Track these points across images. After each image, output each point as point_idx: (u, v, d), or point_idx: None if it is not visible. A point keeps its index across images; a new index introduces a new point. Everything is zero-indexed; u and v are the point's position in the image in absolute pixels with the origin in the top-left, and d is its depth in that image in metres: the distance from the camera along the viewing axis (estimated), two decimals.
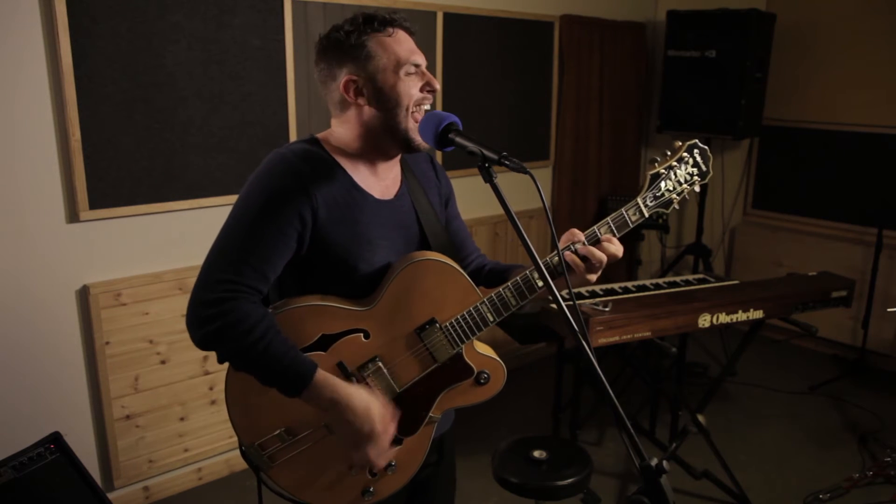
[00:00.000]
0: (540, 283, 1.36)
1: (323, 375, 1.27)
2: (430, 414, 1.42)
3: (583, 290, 2.89)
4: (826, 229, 4.37)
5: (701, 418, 2.93)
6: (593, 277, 1.37)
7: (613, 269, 4.77)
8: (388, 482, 1.43)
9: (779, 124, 4.47)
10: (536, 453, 2.18)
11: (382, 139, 1.37)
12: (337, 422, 1.32)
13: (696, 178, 1.44)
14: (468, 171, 3.63)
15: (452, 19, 3.53)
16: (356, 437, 1.30)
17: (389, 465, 1.41)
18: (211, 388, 2.95)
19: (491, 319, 1.38)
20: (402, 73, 1.32)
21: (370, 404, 1.29)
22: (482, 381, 1.43)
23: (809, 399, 3.83)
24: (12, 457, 1.94)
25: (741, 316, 2.76)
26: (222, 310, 1.21)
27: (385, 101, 1.33)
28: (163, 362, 2.80)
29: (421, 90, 1.35)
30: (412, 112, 1.34)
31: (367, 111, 1.35)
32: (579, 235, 1.37)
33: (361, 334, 1.35)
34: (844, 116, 4.20)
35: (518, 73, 3.93)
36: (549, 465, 2.15)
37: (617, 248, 1.36)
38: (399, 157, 1.46)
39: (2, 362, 2.46)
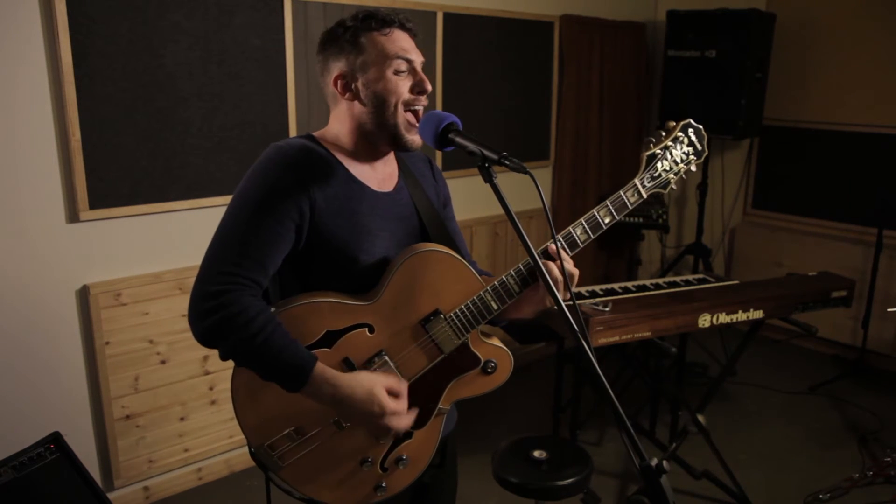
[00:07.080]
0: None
1: (321, 369, 1.25)
2: (440, 406, 1.42)
3: (583, 289, 2.89)
4: (826, 229, 4.37)
5: (701, 418, 2.93)
6: (548, 301, 1.36)
7: (613, 269, 4.77)
8: (400, 476, 1.43)
9: (779, 124, 4.47)
10: (536, 453, 2.18)
11: (372, 136, 1.37)
12: (345, 415, 1.32)
13: (692, 157, 1.44)
14: (468, 171, 3.63)
15: (452, 19, 3.53)
16: (370, 421, 1.30)
17: (401, 459, 1.41)
18: (211, 388, 2.95)
19: (495, 308, 1.38)
20: (390, 70, 1.32)
21: (373, 385, 1.28)
22: (489, 370, 1.43)
23: (809, 399, 3.82)
24: (12, 457, 1.94)
25: (741, 316, 2.76)
26: (221, 302, 1.20)
27: (372, 98, 1.33)
28: (163, 362, 2.80)
29: (411, 91, 1.34)
30: (402, 111, 1.34)
31: (357, 107, 1.35)
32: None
33: (366, 329, 1.34)
34: (844, 116, 4.20)
35: (518, 73, 3.93)
36: (549, 465, 2.15)
37: (571, 269, 1.33)
38: (392, 153, 1.46)
39: (2, 362, 2.46)
